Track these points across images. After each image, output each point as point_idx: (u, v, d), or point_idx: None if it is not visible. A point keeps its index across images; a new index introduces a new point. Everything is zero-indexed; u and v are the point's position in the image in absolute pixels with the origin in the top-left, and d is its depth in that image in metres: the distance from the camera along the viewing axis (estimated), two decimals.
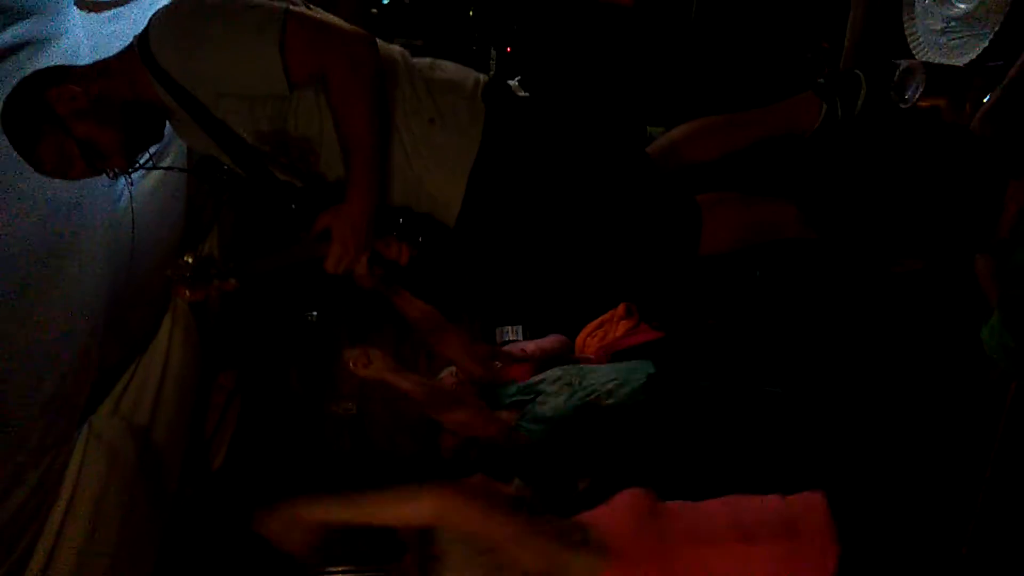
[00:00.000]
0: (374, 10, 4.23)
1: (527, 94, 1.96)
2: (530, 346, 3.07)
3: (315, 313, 4.24)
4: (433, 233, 1.90)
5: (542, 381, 2.42)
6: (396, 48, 1.86)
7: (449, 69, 1.86)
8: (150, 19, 1.69)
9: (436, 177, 1.80)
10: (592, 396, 2.23)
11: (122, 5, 2.45)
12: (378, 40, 1.76)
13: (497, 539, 1.57)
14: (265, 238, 3.52)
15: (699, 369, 2.32)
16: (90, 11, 2.23)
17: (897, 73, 1.88)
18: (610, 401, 2.19)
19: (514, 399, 2.42)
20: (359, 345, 2.16)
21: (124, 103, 1.69)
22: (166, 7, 1.68)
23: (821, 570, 1.58)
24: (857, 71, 2.10)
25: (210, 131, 1.73)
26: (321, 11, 1.79)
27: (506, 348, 3.08)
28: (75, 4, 2.09)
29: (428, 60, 1.88)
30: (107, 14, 2.36)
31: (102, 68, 1.73)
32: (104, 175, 1.74)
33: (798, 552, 1.60)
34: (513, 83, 2.01)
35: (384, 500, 1.64)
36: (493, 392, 2.48)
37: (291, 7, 1.66)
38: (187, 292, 1.65)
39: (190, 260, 1.63)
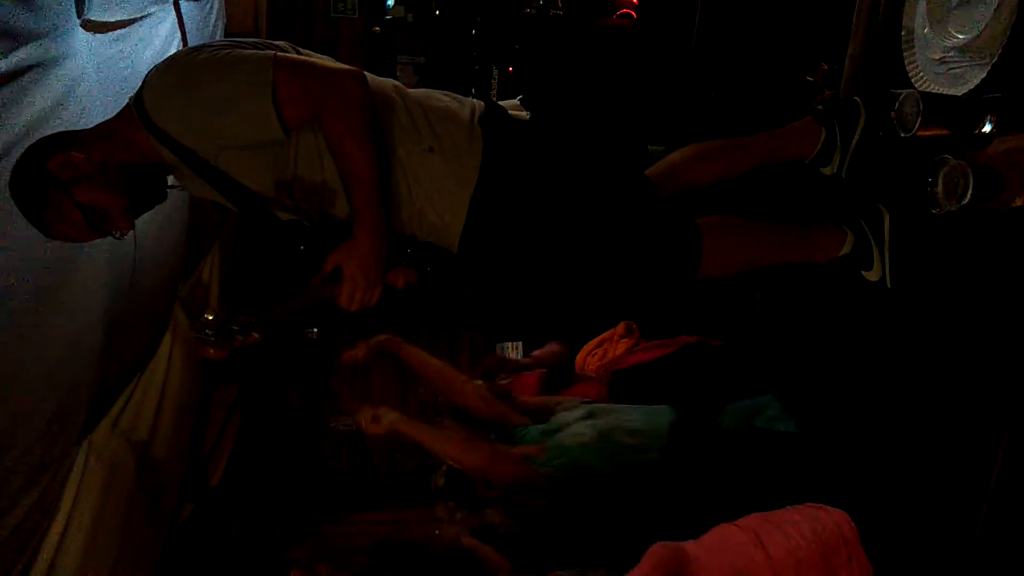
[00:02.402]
0: (377, 28, 4.26)
1: (528, 113, 1.97)
2: (536, 352, 3.09)
3: (315, 330, 4.26)
4: (439, 260, 1.91)
5: (564, 421, 2.39)
6: (388, 81, 1.87)
7: (444, 99, 1.87)
8: (144, 79, 1.70)
9: (437, 205, 1.81)
10: (613, 427, 2.21)
11: (126, 27, 2.47)
12: (369, 75, 1.77)
13: None
14: (275, 282, 3.54)
15: (716, 408, 2.31)
16: (95, 32, 2.24)
17: (896, 103, 1.88)
18: (632, 441, 2.17)
19: (537, 440, 2.39)
20: (366, 405, 2.19)
21: (125, 165, 1.70)
22: (158, 67, 1.70)
23: None
24: (856, 98, 2.12)
25: (213, 182, 1.74)
26: (309, 52, 1.81)
27: (509, 364, 3.08)
28: (81, 26, 2.11)
29: (423, 91, 1.89)
30: (112, 35, 2.39)
31: (102, 132, 1.74)
32: (110, 236, 1.75)
33: None
34: (514, 102, 2.02)
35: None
36: (509, 433, 2.45)
37: (278, 54, 1.67)
38: (212, 351, 1.65)
39: (210, 317, 1.63)
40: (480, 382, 2.52)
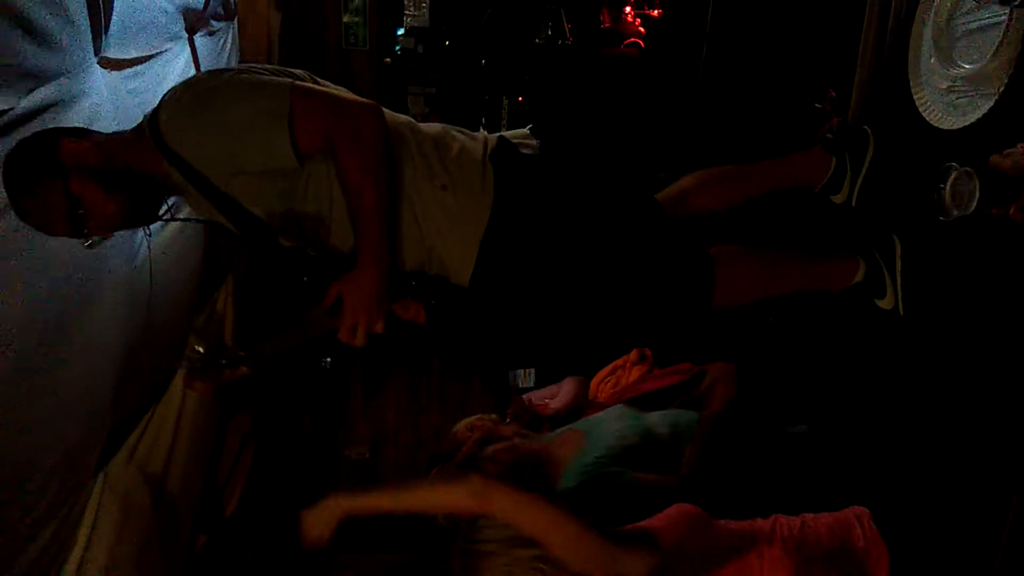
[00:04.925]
0: (387, 60, 4.30)
1: (538, 142, 1.98)
2: (554, 404, 3.04)
3: (329, 359, 4.26)
4: (445, 294, 1.90)
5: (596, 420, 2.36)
6: (403, 117, 1.88)
7: (459, 136, 1.88)
8: (160, 100, 1.72)
9: (448, 242, 1.82)
10: (651, 423, 2.19)
11: (142, 63, 2.51)
12: (385, 110, 1.79)
13: (545, 531, 1.51)
14: (278, 312, 3.54)
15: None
16: (112, 69, 2.28)
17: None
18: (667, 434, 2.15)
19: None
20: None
21: (130, 173, 1.70)
22: (175, 90, 1.71)
23: None
24: (865, 127, 2.13)
25: (221, 208, 1.75)
26: (327, 83, 1.82)
27: (534, 406, 3.04)
28: (98, 63, 2.15)
29: (437, 126, 1.91)
30: (128, 72, 2.43)
31: (117, 138, 1.76)
32: (82, 239, 1.70)
33: (850, 564, 1.61)
34: (525, 131, 2.03)
35: (431, 489, 1.62)
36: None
37: (296, 82, 1.68)
38: (198, 384, 1.64)
39: (201, 349, 1.62)
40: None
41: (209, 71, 1.80)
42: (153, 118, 1.69)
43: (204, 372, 1.61)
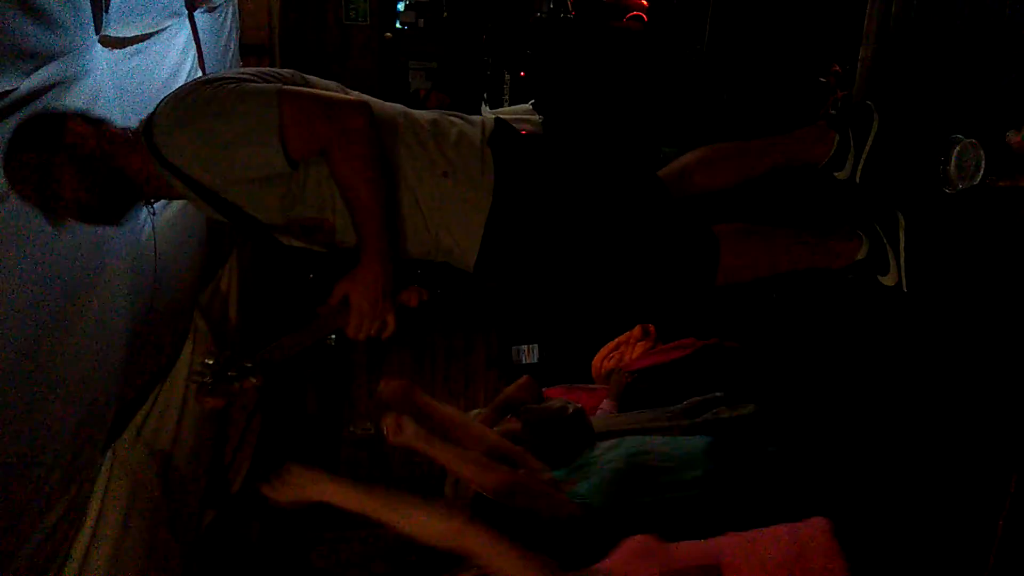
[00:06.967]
0: (388, 34, 4.27)
1: (540, 118, 1.97)
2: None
3: (333, 336, 4.28)
4: (450, 279, 1.90)
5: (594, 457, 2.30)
6: (396, 107, 1.87)
7: (457, 121, 1.87)
8: (154, 111, 1.70)
9: (453, 229, 1.82)
10: (641, 450, 2.15)
11: (143, 41, 2.50)
12: (377, 101, 1.78)
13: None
14: (283, 312, 3.53)
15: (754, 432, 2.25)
16: (113, 48, 2.28)
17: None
18: (661, 465, 2.07)
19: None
20: (392, 414, 2.10)
21: (118, 176, 1.70)
22: (167, 102, 1.70)
23: None
24: (869, 102, 2.11)
25: (222, 212, 1.76)
26: (315, 80, 1.81)
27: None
28: (99, 42, 2.14)
29: (433, 113, 1.89)
30: (129, 50, 2.42)
31: (122, 136, 1.74)
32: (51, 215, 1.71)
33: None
34: (526, 107, 2.03)
35: (413, 512, 1.66)
36: None
37: (283, 87, 1.67)
38: (209, 400, 1.64)
39: (210, 362, 1.62)
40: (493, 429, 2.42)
41: (198, 80, 1.77)
42: (148, 131, 1.68)
43: (214, 388, 1.61)
